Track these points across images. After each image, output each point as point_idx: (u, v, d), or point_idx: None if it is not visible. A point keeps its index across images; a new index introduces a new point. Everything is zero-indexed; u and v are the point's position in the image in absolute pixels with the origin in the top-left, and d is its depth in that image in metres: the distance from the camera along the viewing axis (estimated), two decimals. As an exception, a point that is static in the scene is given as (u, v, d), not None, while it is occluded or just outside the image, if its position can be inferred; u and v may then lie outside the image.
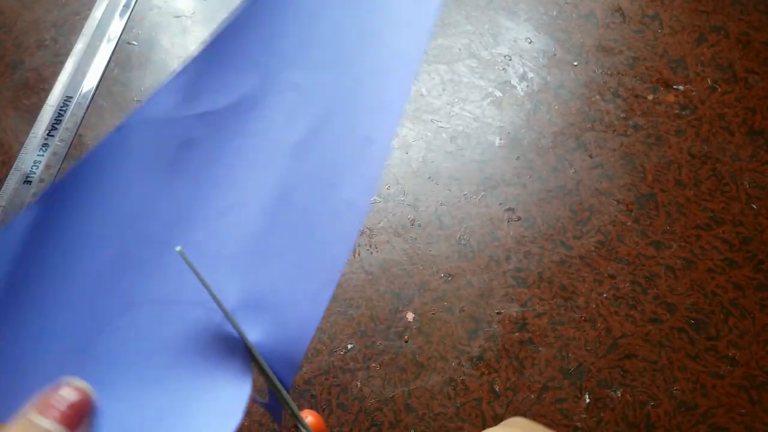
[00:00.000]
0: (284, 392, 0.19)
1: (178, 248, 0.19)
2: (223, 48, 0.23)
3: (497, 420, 0.39)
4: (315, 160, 0.22)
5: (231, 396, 0.19)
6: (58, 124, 0.49)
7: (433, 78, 0.51)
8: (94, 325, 0.20)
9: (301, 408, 0.39)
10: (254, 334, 0.20)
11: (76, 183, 0.20)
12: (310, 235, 0.21)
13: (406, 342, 0.41)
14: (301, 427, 0.19)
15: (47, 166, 0.47)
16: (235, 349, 0.20)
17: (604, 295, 0.43)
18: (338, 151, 0.22)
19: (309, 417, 0.19)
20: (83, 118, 0.50)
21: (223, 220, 0.21)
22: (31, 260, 0.19)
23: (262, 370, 0.19)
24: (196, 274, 0.19)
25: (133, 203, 0.21)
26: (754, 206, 0.46)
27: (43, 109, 0.49)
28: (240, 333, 0.19)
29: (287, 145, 0.22)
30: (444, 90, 0.51)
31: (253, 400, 0.19)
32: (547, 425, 0.39)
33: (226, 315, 0.20)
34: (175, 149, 0.21)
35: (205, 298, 0.20)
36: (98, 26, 0.54)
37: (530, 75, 0.51)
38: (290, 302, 0.20)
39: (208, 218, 0.21)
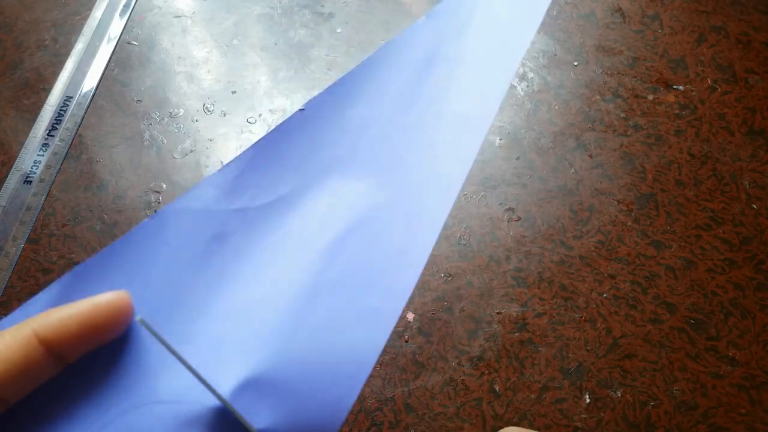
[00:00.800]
0: None
1: (138, 317, 0.19)
2: (269, 149, 0.23)
3: (497, 420, 0.39)
4: (345, 265, 0.22)
5: None
6: (58, 124, 0.49)
7: (433, 78, 0.51)
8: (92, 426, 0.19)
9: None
10: (262, 420, 0.19)
11: (105, 264, 0.20)
12: (334, 341, 0.20)
13: (406, 342, 0.41)
14: None
15: (47, 166, 0.47)
16: None
17: (604, 295, 0.43)
18: (370, 258, 0.22)
19: None
20: (83, 118, 0.50)
21: (246, 316, 0.21)
22: None
23: None
24: (164, 343, 0.19)
25: (155, 291, 0.20)
26: (754, 206, 0.46)
27: (43, 109, 0.49)
28: (234, 412, 0.18)
29: (319, 248, 0.22)
30: (444, 90, 0.51)
31: None
32: (547, 425, 0.39)
33: (214, 393, 0.18)
34: (207, 241, 0.21)
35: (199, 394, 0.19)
36: (98, 26, 0.54)
37: (530, 75, 0.51)
38: (308, 399, 0.19)
39: (231, 313, 0.21)
